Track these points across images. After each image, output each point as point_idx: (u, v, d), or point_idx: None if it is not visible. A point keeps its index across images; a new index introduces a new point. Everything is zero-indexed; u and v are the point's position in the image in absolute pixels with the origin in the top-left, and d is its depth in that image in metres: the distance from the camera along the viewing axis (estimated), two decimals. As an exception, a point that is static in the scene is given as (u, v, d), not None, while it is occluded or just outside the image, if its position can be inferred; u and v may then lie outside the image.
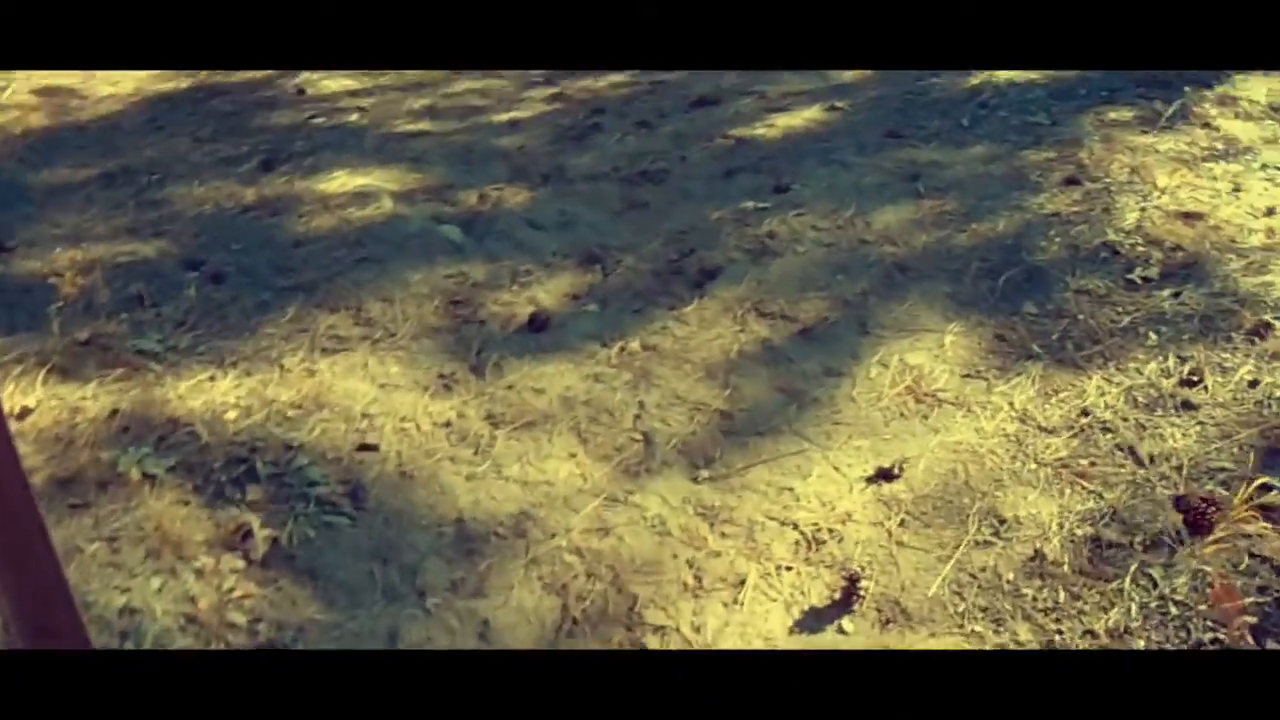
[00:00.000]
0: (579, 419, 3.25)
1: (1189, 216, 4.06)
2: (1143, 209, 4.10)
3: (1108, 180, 4.32)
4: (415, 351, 3.55)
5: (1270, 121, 4.76)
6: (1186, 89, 5.02)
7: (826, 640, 2.55)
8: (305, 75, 6.19)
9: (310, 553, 2.77)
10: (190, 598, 2.59)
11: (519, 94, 5.78)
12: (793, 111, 5.09)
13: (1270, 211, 4.09)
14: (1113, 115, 4.85)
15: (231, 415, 3.23)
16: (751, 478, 3.01)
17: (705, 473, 3.04)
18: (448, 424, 3.23)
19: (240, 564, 2.71)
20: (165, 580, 2.64)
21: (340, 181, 4.66)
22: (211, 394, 3.32)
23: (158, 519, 2.79)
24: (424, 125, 5.37)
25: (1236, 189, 4.25)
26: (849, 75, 5.48)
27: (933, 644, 2.53)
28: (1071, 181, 4.32)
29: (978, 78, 5.29)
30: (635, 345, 3.54)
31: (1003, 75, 5.30)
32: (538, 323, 3.66)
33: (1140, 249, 3.87)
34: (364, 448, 3.13)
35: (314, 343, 3.58)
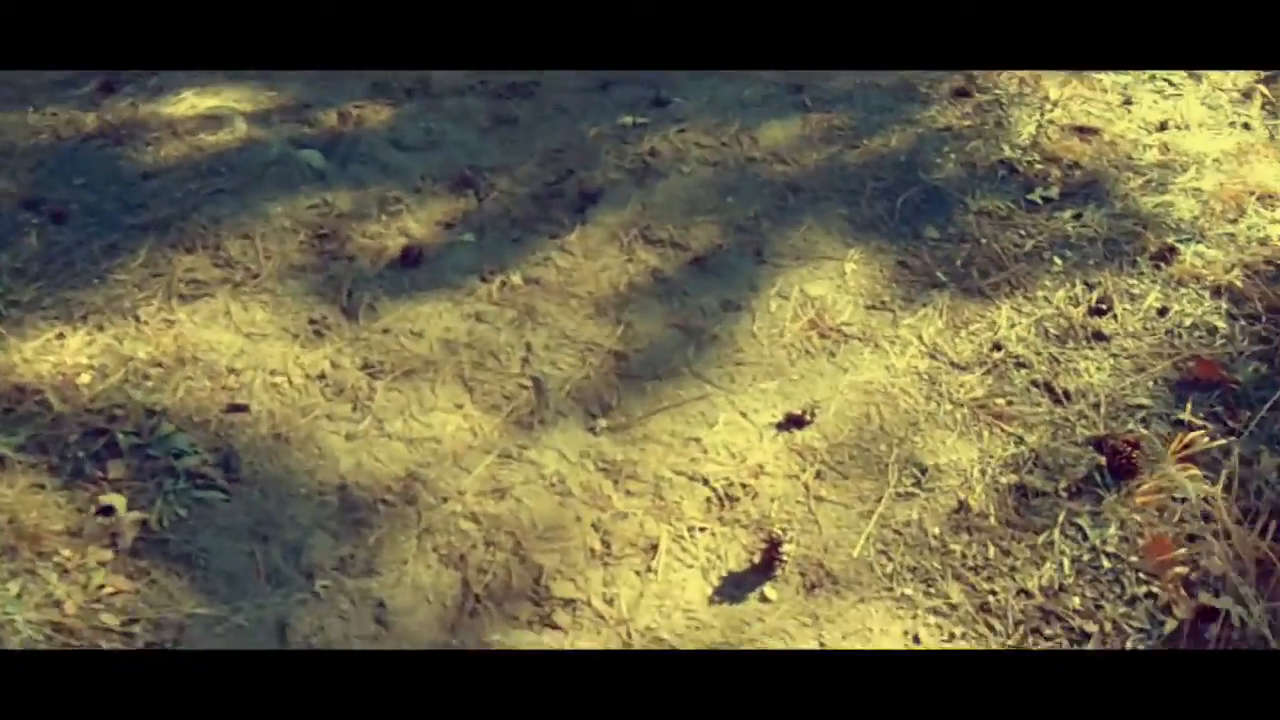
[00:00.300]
0: (463, 364, 3.01)
1: (1083, 131, 3.94)
2: (1037, 123, 3.96)
3: (998, 92, 4.16)
4: (281, 294, 3.26)
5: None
6: None
7: (750, 610, 2.37)
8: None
9: (183, 535, 2.50)
10: (55, 601, 2.31)
11: None
12: None
13: (1162, 126, 3.99)
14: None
15: (85, 379, 2.92)
16: (653, 427, 2.81)
17: (603, 422, 2.83)
18: (322, 376, 2.96)
19: (107, 555, 2.43)
20: (24, 583, 2.34)
21: (189, 103, 4.29)
22: (61, 354, 3.00)
23: (11, 509, 2.49)
24: (271, 32, 5.00)
25: (1127, 101, 4.14)
26: (722, -22, 5.22)
27: (862, 609, 2.37)
28: (961, 93, 4.16)
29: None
30: (517, 279, 3.30)
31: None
32: (411, 256, 3.39)
33: (1038, 167, 3.73)
34: (233, 408, 2.85)
35: (170, 289, 3.27)
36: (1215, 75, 4.35)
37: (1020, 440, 2.75)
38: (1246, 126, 4.03)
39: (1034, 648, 2.29)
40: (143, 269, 3.31)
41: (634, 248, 3.39)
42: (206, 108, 4.18)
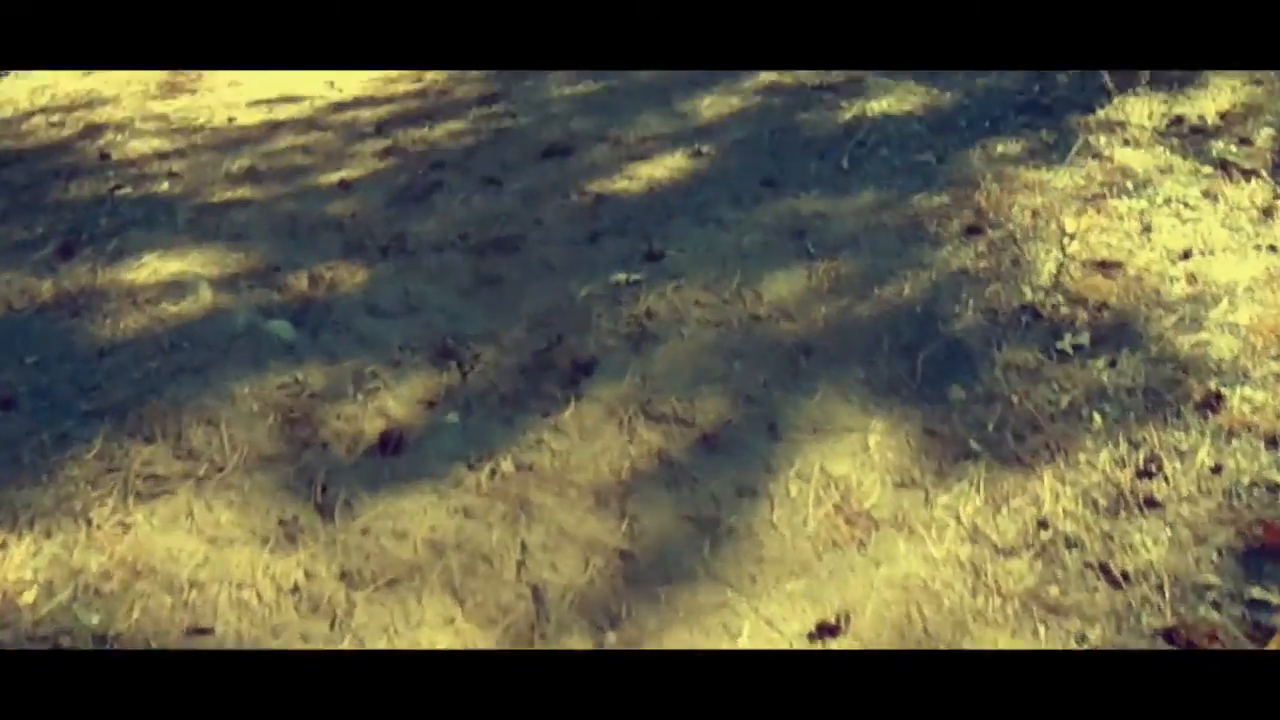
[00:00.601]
0: (451, 570, 2.71)
1: (1106, 266, 3.67)
2: (1056, 260, 3.70)
3: (1011, 226, 3.91)
4: (248, 490, 2.97)
5: (1161, 148, 4.42)
6: (1070, 115, 4.67)
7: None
8: (110, 136, 5.49)
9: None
10: None
11: (347, 148, 5.18)
12: (654, 159, 4.59)
13: (1186, 254, 3.73)
14: (1000, 149, 4.46)
15: (29, 597, 2.62)
16: (669, 642, 2.50)
17: (612, 636, 2.52)
18: (295, 589, 2.66)
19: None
20: None
21: (151, 268, 4.04)
22: (4, 567, 2.71)
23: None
24: (243, 191, 4.75)
25: (1146, 229, 3.89)
26: (709, 113, 5.00)
27: None
28: (973, 230, 3.90)
29: (849, 111, 4.86)
30: (507, 466, 3.01)
31: (877, 107, 4.88)
32: (390, 443, 3.10)
33: (1064, 310, 3.46)
34: (195, 631, 2.55)
35: (127, 486, 2.98)
36: (1232, 194, 4.11)
37: (1082, 637, 2.45)
38: (1273, 249, 3.79)
39: (1033, 648, 1.99)
40: (97, 462, 3.03)
41: (635, 426, 3.11)
42: (169, 273, 3.93)
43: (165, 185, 4.86)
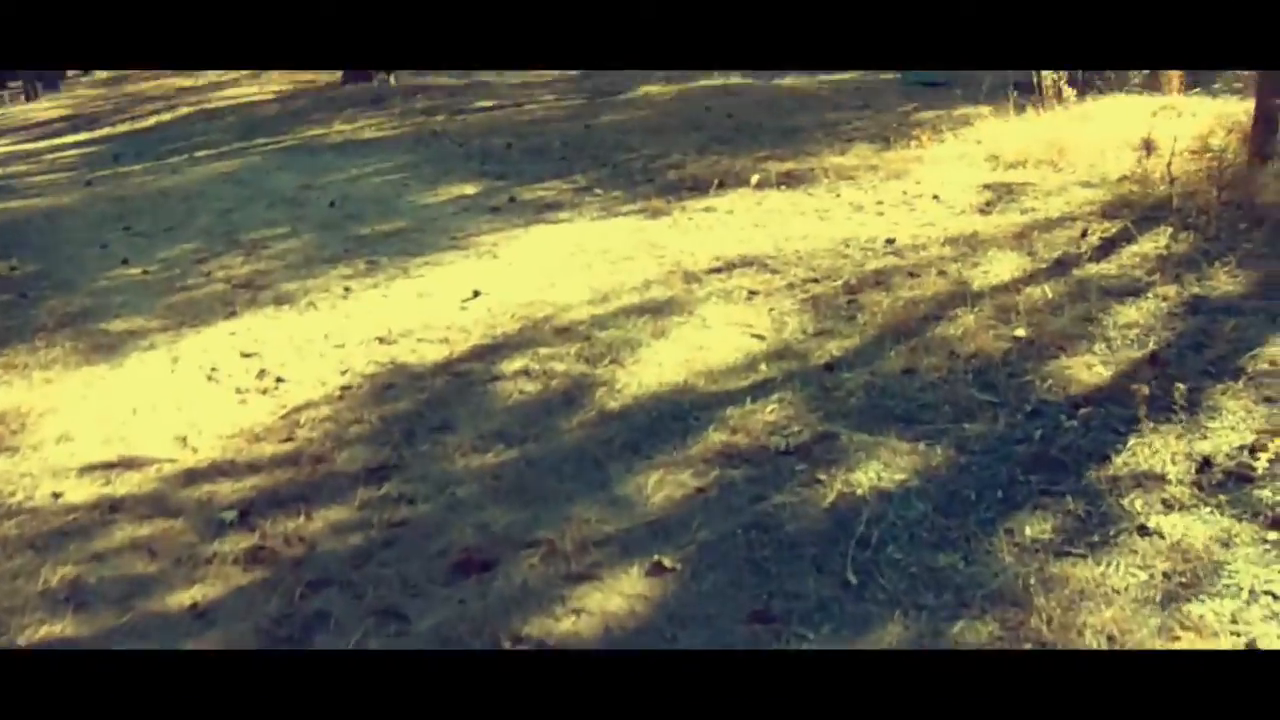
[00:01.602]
0: None
1: None
2: None
3: (1091, 665, 3.00)
4: None
5: (1207, 509, 3.73)
6: (1088, 469, 3.90)
7: None
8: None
9: None
10: None
11: (202, 546, 4.09)
12: (604, 580, 3.59)
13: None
14: (1029, 531, 3.63)
15: None
16: None
17: None
18: None
19: None
20: None
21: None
22: None
23: None
24: (63, 625, 3.63)
25: (1253, 645, 3.04)
26: (660, 499, 4.04)
27: None
28: None
29: (832, 488, 3.97)
30: None
31: (864, 479, 4.00)
32: None
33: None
34: None
35: None
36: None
37: None
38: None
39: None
40: None
41: None
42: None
43: (-39, 608, 3.75)
